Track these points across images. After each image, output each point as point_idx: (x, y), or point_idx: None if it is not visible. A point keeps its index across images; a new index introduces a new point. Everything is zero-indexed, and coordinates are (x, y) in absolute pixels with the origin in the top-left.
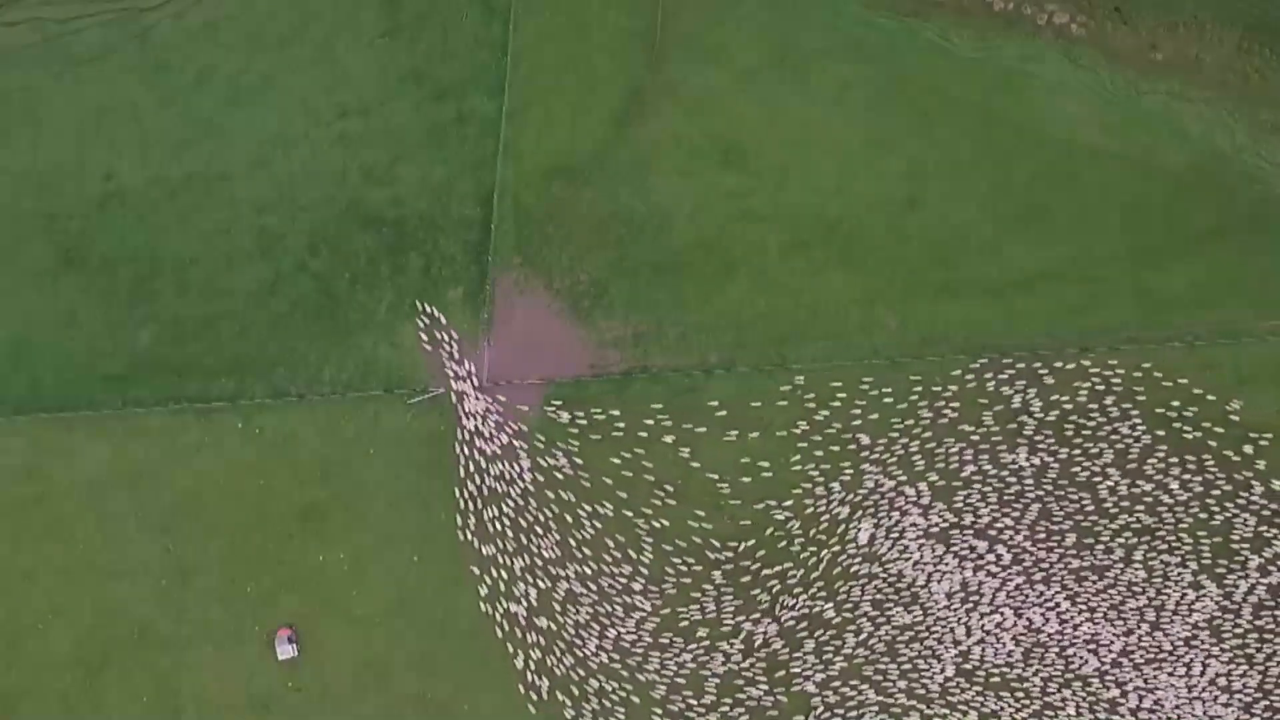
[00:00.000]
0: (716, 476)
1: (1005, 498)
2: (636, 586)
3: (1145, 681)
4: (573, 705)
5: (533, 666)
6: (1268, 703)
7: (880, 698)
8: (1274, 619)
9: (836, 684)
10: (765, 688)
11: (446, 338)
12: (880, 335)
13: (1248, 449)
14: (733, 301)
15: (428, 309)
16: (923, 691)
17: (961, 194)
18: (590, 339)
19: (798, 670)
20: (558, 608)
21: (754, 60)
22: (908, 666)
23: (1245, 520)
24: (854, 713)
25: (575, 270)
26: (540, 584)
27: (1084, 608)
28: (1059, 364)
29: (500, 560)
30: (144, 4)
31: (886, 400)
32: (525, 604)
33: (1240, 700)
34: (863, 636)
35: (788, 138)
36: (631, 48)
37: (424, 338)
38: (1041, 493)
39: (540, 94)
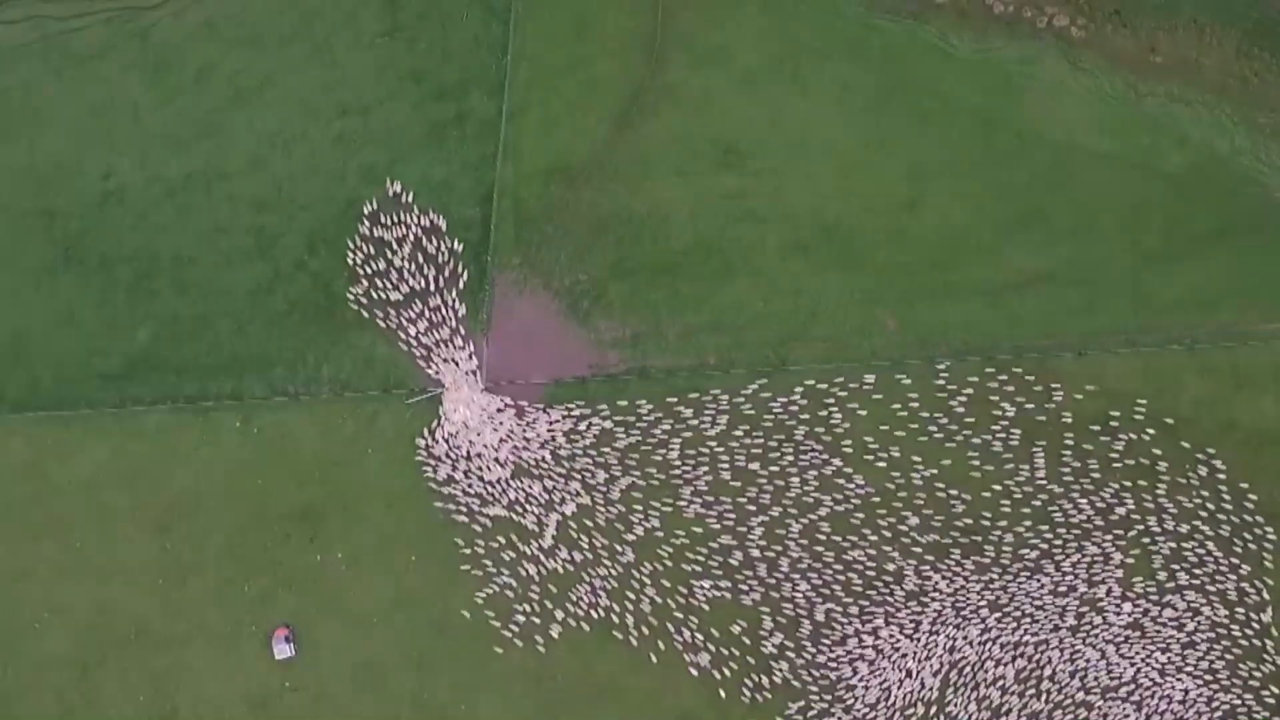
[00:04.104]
0: (713, 477)
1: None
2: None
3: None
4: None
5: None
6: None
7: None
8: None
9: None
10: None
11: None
12: (879, 337)
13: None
14: (731, 303)
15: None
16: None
17: (961, 196)
18: (589, 339)
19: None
20: (553, 607)
21: (753, 61)
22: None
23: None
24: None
25: (574, 271)
26: (535, 584)
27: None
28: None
29: (497, 560)
30: (144, 3)
31: (885, 401)
32: (520, 603)
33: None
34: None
35: (787, 139)
36: (631, 49)
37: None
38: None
39: (540, 94)
